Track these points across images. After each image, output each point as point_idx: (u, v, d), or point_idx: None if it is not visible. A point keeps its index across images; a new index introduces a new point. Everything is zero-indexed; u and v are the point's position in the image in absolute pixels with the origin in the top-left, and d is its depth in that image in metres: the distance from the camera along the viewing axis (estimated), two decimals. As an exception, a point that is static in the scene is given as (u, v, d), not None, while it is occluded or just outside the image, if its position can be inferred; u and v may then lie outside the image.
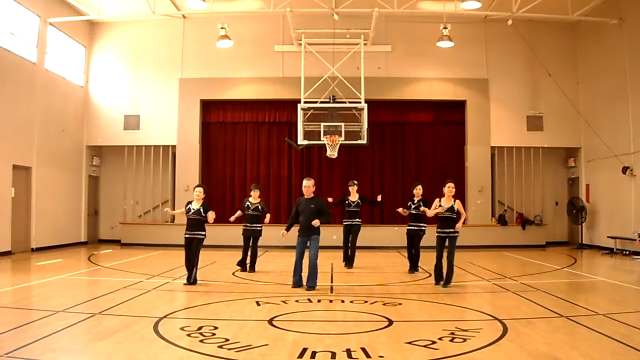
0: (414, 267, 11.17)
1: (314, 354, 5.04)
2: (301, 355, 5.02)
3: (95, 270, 11.89)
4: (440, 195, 9.38)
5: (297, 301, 7.85)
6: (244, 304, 7.71)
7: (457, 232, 9.18)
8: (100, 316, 6.67)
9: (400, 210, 11.29)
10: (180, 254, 9.10)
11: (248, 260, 11.15)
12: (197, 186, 9.70)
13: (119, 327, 6.06)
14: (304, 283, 8.95)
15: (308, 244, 9.00)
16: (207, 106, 18.54)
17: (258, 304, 7.65)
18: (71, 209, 17.37)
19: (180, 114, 18.12)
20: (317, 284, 8.93)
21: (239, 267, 11.21)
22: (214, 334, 5.77)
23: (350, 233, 12.06)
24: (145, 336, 5.69)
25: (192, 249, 9.36)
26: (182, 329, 6.00)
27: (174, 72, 18.15)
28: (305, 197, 9.17)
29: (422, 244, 11.10)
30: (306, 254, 9.05)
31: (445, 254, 9.21)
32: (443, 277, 9.28)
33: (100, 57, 18.40)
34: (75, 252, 15.72)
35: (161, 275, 10.52)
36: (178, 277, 10.32)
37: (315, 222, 8.81)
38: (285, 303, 7.70)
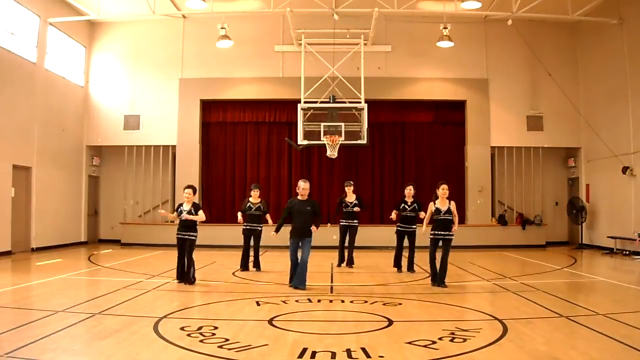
0: (399, 266, 11.12)
1: (314, 354, 5.04)
2: (301, 355, 5.02)
3: (95, 270, 11.89)
4: (432, 196, 9.21)
5: (297, 301, 7.85)
6: (244, 304, 7.71)
7: (453, 235, 9.06)
8: (100, 316, 6.67)
9: (393, 215, 10.99)
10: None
11: (251, 260, 11.15)
12: (187, 187, 9.53)
13: (119, 327, 6.06)
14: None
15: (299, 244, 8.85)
16: (207, 106, 18.53)
17: (258, 304, 7.64)
18: (71, 209, 17.36)
19: (180, 114, 18.11)
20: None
21: (240, 268, 11.15)
22: (214, 334, 5.77)
23: (348, 234, 11.89)
24: (145, 336, 5.69)
25: (186, 250, 9.36)
26: (182, 329, 6.00)
27: (173, 72, 18.15)
28: (300, 198, 8.94)
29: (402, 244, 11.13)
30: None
31: (438, 255, 9.16)
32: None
33: (100, 57, 18.39)
34: (75, 252, 15.72)
35: (161, 275, 10.51)
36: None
37: (314, 229, 8.73)
38: (285, 303, 7.70)
